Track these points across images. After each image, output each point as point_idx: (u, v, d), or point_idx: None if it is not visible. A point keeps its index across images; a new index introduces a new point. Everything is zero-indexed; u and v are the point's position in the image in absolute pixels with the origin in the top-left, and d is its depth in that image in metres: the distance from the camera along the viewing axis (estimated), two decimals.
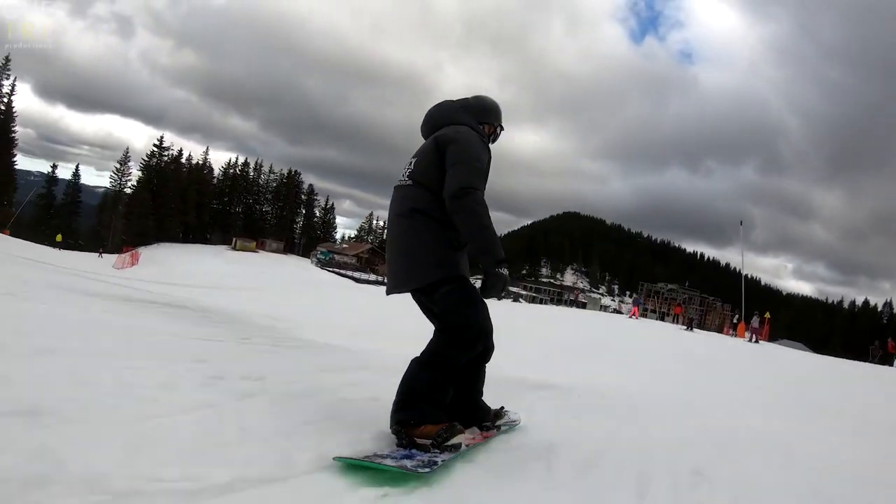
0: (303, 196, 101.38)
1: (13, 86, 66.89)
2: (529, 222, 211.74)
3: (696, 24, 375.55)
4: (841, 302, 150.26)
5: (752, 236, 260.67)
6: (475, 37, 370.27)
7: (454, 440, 2.51)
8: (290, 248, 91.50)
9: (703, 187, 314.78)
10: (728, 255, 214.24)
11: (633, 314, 35.10)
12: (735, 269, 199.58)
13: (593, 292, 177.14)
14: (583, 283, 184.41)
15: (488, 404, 3.21)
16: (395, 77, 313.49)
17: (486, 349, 2.95)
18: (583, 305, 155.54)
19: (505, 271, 2.59)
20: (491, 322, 2.84)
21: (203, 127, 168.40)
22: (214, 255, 68.48)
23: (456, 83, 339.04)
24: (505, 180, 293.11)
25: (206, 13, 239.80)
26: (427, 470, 2.27)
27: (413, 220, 2.77)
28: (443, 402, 2.67)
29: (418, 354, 2.73)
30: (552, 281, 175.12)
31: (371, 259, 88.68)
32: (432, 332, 2.79)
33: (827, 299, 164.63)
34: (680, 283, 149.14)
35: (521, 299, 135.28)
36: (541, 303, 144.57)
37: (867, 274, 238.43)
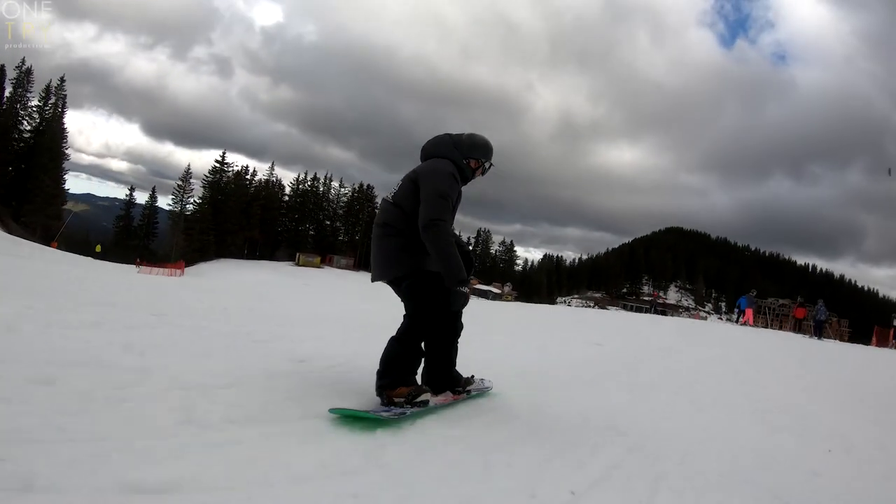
0: (376, 211, 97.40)
1: (65, 103, 67.02)
2: (630, 240, 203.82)
3: (787, 22, 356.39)
4: None
5: (865, 245, 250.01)
6: (562, 54, 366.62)
7: (421, 398, 3.37)
8: (363, 264, 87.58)
9: (810, 195, 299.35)
10: (841, 267, 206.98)
11: (747, 320, 26.90)
12: (850, 281, 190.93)
13: (699, 310, 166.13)
14: (687, 301, 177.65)
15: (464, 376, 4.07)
16: (487, 100, 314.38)
17: (455, 328, 3.84)
18: None
19: (465, 289, 3.40)
20: (459, 307, 3.56)
21: (304, 158, 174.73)
22: (273, 269, 65.41)
23: (547, 102, 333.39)
24: (603, 199, 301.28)
25: (300, 50, 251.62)
26: (396, 417, 3.13)
27: (386, 230, 3.56)
28: (412, 369, 3.49)
29: (394, 333, 3.54)
30: (654, 299, 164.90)
31: None
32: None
33: None
34: (791, 298, 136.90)
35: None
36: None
37: None
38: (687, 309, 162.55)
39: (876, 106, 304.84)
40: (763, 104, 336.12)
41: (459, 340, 3.89)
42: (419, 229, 3.33)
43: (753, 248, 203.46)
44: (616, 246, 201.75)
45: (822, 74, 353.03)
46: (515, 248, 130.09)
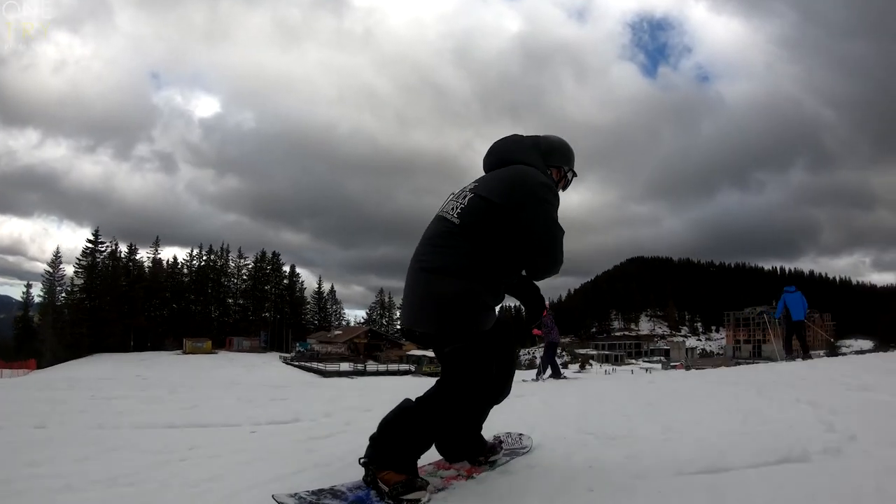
0: (285, 281, 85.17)
1: None
2: (592, 278, 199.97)
3: (703, 44, 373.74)
4: None
5: (821, 239, 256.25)
6: (493, 109, 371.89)
7: (411, 496, 2.26)
8: (275, 344, 74.74)
9: (759, 202, 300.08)
10: (804, 265, 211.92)
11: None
12: (821, 274, 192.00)
13: (675, 335, 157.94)
14: (661, 329, 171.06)
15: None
16: (430, 163, 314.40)
17: (500, 393, 2.67)
18: (666, 353, 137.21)
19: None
20: (509, 372, 2.65)
21: (258, 245, 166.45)
22: (141, 361, 52.94)
23: None
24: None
25: (240, 138, 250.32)
26: None
27: (444, 256, 2.36)
28: (416, 453, 2.36)
29: (419, 395, 2.42)
30: (626, 333, 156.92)
31: (371, 345, 70.36)
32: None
33: None
34: (768, 303, 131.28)
35: (590, 362, 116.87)
36: (616, 361, 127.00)
37: None
38: (663, 336, 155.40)
39: (805, 105, 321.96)
40: (696, 124, 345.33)
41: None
42: (532, 275, 2.55)
43: (718, 263, 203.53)
44: (578, 286, 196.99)
45: (747, 86, 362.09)
46: None
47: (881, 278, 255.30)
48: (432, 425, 2.35)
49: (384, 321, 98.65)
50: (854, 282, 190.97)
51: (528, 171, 2.47)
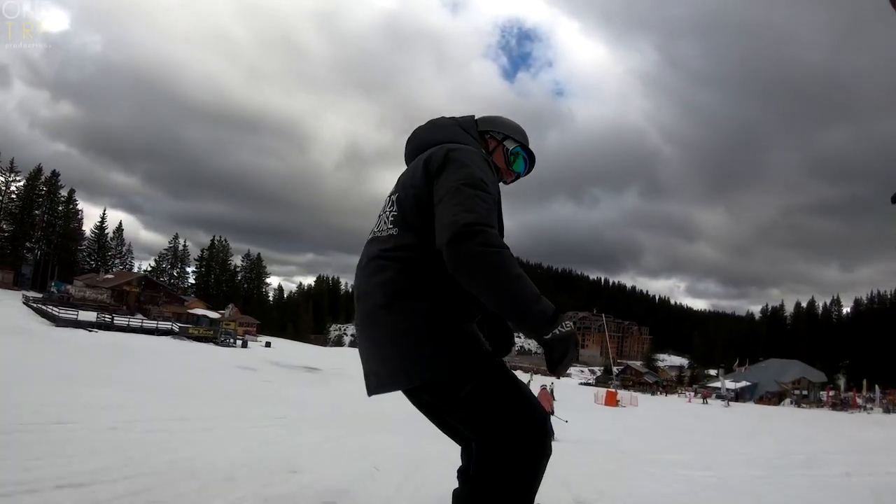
0: (60, 208, 72.02)
1: None
2: None
3: (565, 61, 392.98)
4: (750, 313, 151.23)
5: (643, 261, 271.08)
6: (347, 81, 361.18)
7: None
8: (40, 283, 62.70)
9: (591, 216, 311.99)
10: (624, 281, 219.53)
11: None
12: (641, 291, 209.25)
13: None
14: None
15: None
16: (276, 125, 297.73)
17: (546, 437, 1.84)
18: None
19: (567, 326, 1.63)
20: (568, 360, 1.73)
21: (85, 183, 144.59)
22: None
23: (335, 129, 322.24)
24: None
25: (82, 62, 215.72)
26: None
27: (392, 289, 1.80)
28: None
29: (459, 486, 1.88)
30: None
31: (146, 296, 60.49)
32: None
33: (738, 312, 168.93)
34: (589, 310, 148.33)
35: None
36: None
37: (757, 284, 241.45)
38: None
39: (648, 137, 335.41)
40: (543, 133, 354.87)
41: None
42: (445, 261, 1.67)
43: (546, 266, 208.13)
44: None
45: (598, 109, 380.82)
46: (266, 267, 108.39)
47: (693, 303, 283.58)
48: (527, 490, 1.69)
49: (175, 272, 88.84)
50: (673, 302, 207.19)
51: (444, 145, 1.93)
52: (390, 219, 1.88)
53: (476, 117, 2.25)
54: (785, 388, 65.25)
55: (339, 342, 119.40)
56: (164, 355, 29.05)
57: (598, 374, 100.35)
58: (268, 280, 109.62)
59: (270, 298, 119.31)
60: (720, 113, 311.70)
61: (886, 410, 44.16)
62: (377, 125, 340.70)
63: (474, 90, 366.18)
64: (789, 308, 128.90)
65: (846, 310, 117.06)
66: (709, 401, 51.08)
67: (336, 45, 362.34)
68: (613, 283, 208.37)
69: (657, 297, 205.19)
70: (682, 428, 20.41)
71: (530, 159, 2.28)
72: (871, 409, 46.46)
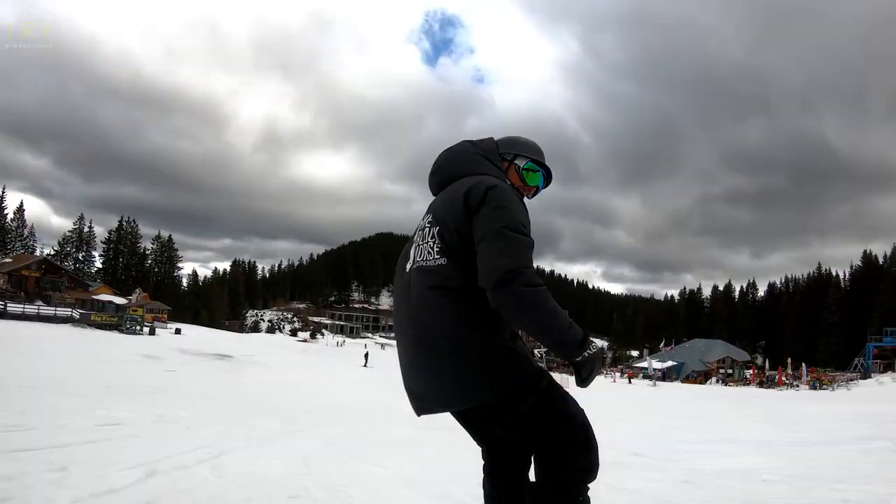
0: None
1: None
2: (337, 247, 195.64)
3: (488, 48, 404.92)
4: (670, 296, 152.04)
5: (561, 246, 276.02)
6: (266, 62, 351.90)
7: None
8: None
9: None
10: (544, 265, 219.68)
11: None
12: (560, 275, 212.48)
13: None
14: None
15: None
16: (192, 105, 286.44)
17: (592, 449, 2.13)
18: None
19: (593, 348, 1.95)
20: (593, 375, 2.07)
21: None
22: None
23: (253, 111, 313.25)
24: (311, 211, 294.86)
25: None
26: None
27: (460, 309, 1.96)
28: None
29: (492, 485, 2.22)
30: (366, 306, 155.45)
31: (47, 281, 56.18)
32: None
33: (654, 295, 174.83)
34: None
35: (323, 332, 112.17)
36: (351, 333, 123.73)
37: (671, 269, 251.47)
38: None
39: (567, 126, 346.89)
40: (463, 119, 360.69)
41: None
42: (490, 299, 1.88)
43: None
44: (321, 252, 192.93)
45: (519, 96, 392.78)
46: (178, 251, 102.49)
47: (609, 287, 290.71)
48: (585, 488, 2.02)
49: (81, 256, 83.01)
50: (591, 286, 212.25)
51: (482, 180, 2.06)
52: (436, 249, 2.01)
53: (496, 139, 2.38)
54: (710, 368, 66.49)
55: (255, 328, 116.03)
56: (54, 344, 26.33)
57: None
58: (180, 265, 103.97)
59: (185, 285, 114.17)
60: (639, 104, 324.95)
61: (813, 387, 45.32)
62: (296, 107, 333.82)
63: (395, 74, 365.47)
64: (706, 291, 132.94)
65: (761, 293, 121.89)
66: (634, 381, 51.43)
67: (255, 25, 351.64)
68: (551, 271, 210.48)
69: (575, 282, 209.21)
70: (626, 408, 19.83)
71: (546, 172, 2.39)
72: (798, 386, 47.65)
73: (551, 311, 1.84)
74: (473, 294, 1.91)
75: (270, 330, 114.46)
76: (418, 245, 2.08)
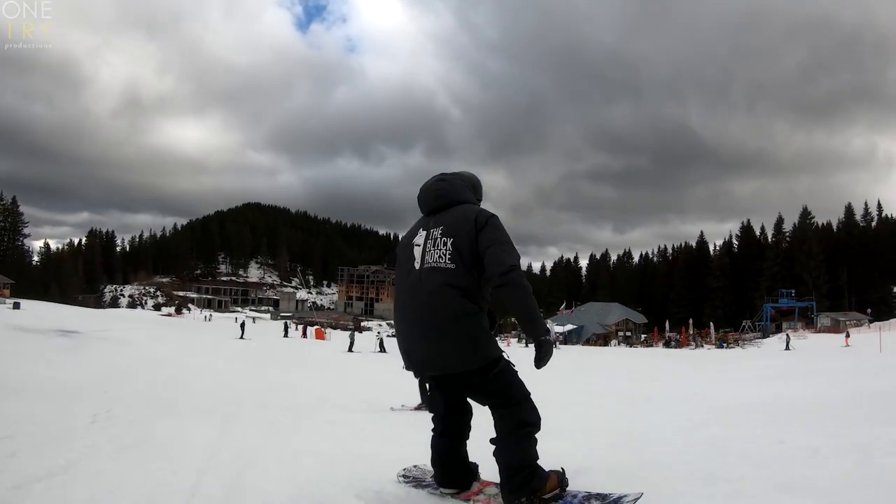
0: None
1: None
2: (201, 217, 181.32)
3: (360, 17, 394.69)
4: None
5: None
6: (128, 20, 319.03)
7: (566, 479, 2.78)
8: None
9: (377, 173, 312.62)
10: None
11: None
12: None
13: (285, 286, 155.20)
14: (272, 278, 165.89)
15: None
16: (48, 66, 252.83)
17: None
18: (275, 303, 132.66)
19: (551, 336, 2.75)
20: (549, 356, 2.81)
21: None
22: None
23: (112, 72, 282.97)
24: (173, 181, 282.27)
25: None
26: None
27: (459, 304, 2.68)
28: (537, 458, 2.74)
29: (494, 436, 2.74)
30: (234, 279, 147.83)
31: None
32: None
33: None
34: (380, 264, 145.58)
35: (189, 306, 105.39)
36: (220, 307, 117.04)
37: (536, 242, 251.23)
38: (272, 286, 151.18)
39: (438, 99, 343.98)
40: (333, 88, 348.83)
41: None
42: (496, 282, 2.65)
43: (335, 221, 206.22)
44: (185, 223, 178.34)
45: (390, 66, 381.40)
46: (24, 215, 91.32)
47: None
48: (532, 435, 2.70)
49: None
50: None
51: (482, 210, 2.87)
52: (447, 255, 2.71)
53: (466, 177, 3.11)
54: (609, 330, 67.77)
55: (115, 304, 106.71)
56: None
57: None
58: (26, 231, 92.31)
59: (36, 259, 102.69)
60: (510, 81, 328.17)
61: (720, 346, 47.19)
62: (159, 70, 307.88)
63: (265, 39, 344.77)
64: (583, 262, 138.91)
65: (635, 261, 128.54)
66: (531, 345, 50.53)
67: None
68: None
69: None
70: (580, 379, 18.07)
71: None
72: (704, 345, 49.49)
73: (532, 297, 2.59)
74: (473, 293, 2.67)
75: (132, 305, 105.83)
76: (429, 250, 2.76)
